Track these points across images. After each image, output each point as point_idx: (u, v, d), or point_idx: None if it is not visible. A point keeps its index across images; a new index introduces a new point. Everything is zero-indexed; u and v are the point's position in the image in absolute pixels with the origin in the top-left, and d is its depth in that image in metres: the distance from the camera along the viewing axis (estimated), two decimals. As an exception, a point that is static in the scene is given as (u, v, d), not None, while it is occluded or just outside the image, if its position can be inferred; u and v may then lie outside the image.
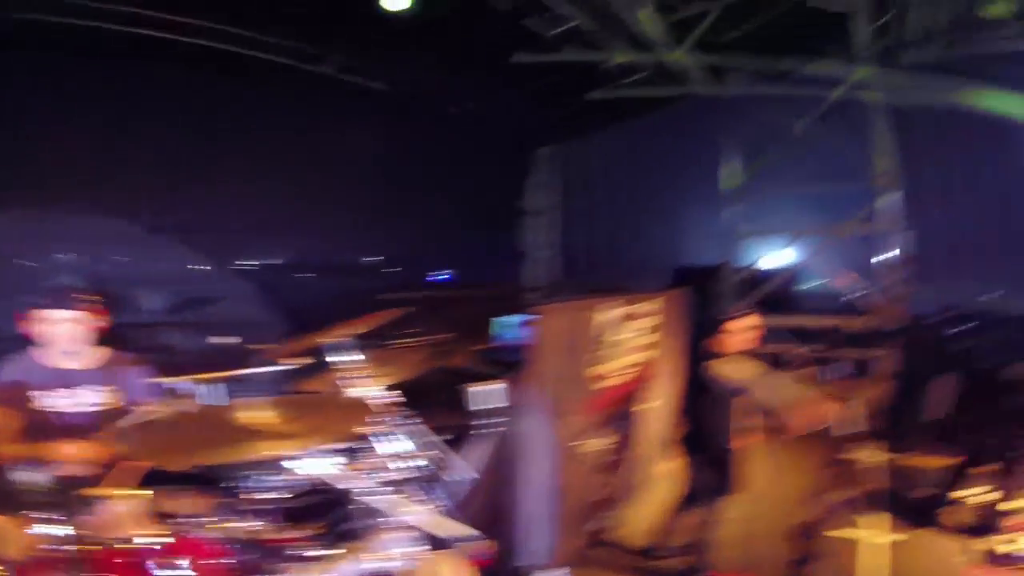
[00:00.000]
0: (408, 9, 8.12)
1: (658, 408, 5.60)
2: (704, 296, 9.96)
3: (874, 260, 9.75)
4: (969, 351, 8.44)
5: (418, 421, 3.83)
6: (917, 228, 9.58)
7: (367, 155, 11.22)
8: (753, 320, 5.08)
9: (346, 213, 11.38)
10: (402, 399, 4.00)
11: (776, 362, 9.88)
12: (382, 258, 12.30)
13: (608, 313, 5.08)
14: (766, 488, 5.16)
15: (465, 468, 4.16)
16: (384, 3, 8.06)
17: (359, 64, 10.35)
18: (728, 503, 5.06)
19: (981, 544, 5.84)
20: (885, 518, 6.31)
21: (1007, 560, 5.76)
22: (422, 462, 3.70)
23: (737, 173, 10.80)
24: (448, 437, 4.34)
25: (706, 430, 4.94)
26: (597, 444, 5.09)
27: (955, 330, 10.34)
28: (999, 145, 9.67)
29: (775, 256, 10.98)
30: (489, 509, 4.37)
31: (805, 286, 10.81)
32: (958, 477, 6.38)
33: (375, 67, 10.45)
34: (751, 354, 5.08)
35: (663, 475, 5.30)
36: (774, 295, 10.30)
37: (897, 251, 9.63)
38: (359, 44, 9.64)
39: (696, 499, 5.09)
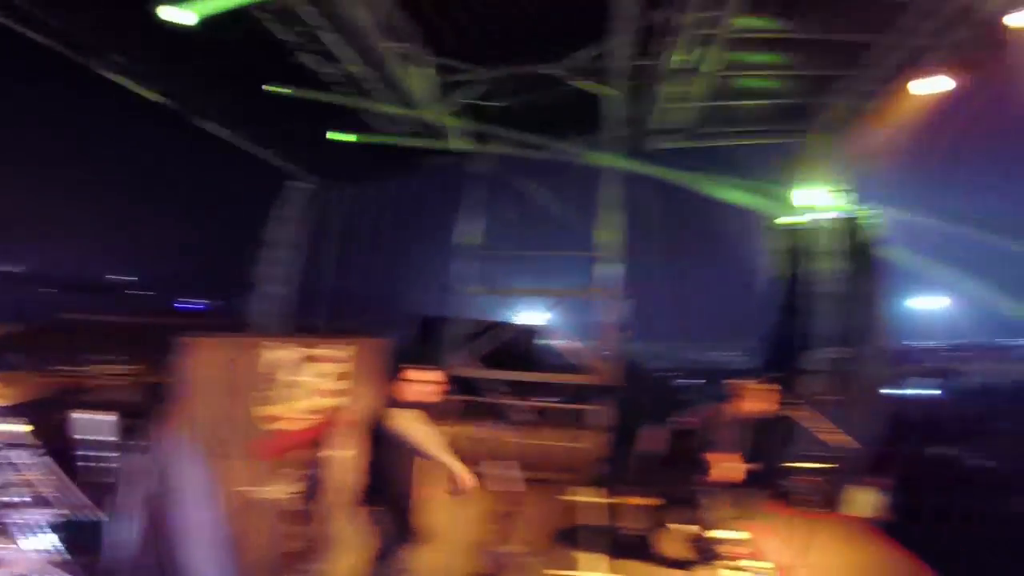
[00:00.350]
0: (194, 27, 7.85)
1: (348, 457, 5.43)
2: (433, 346, 10.39)
3: (598, 322, 10.59)
4: (681, 402, 9.38)
5: (41, 452, 3.56)
6: (644, 295, 10.75)
7: (130, 166, 10.51)
8: (436, 375, 5.14)
9: (98, 226, 10.52)
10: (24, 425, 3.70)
11: (493, 413, 10.54)
12: (135, 278, 11.50)
13: (281, 352, 4.94)
14: (446, 537, 5.15)
15: (89, 506, 3.90)
16: (166, 15, 7.68)
17: (138, 69, 9.68)
18: (412, 553, 4.96)
19: (710, 572, 6.55)
20: (604, 556, 6.77)
21: None
22: (31, 496, 3.43)
23: (478, 232, 11.21)
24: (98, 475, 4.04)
25: (389, 480, 4.89)
26: (279, 491, 4.91)
27: (671, 384, 11.67)
28: (726, 227, 11.29)
29: (505, 312, 11.72)
30: (154, 559, 4.10)
31: (533, 343, 11.58)
32: (667, 514, 7.07)
33: (152, 75, 9.84)
34: (431, 407, 5.10)
35: (355, 526, 5.15)
36: (502, 349, 10.87)
37: (618, 315, 10.54)
38: (141, 49, 9.06)
39: (382, 549, 5.03)
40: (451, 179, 11.46)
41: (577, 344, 10.76)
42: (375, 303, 12.45)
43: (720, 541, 6.92)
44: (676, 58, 8.56)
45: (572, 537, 7.36)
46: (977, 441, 11.27)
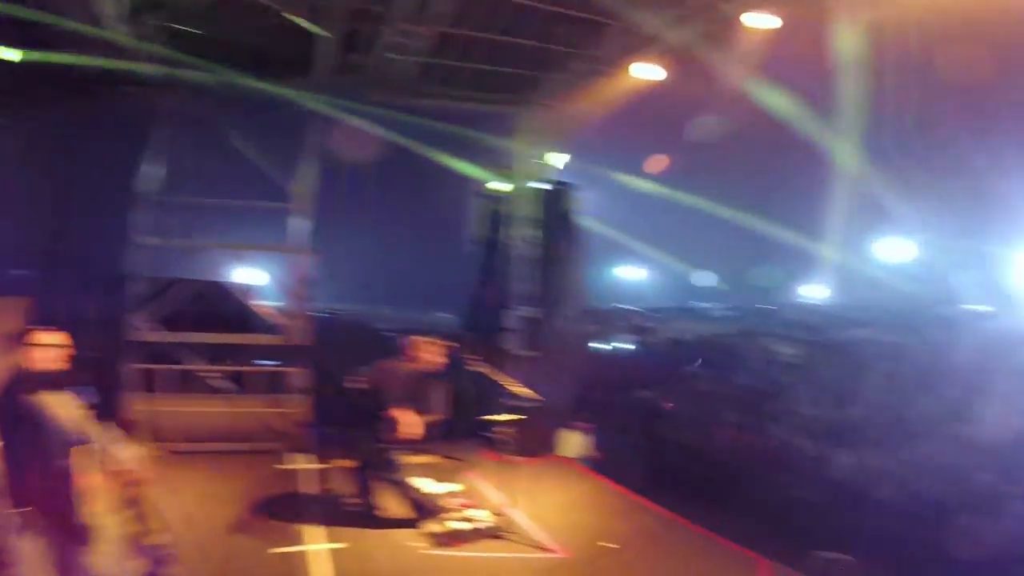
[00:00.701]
0: None
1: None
2: (110, 307, 9.12)
3: (291, 279, 10.00)
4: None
5: None
6: (361, 255, 10.35)
7: None
8: (59, 338, 4.28)
9: None
10: None
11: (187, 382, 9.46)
12: None
13: None
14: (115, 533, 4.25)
15: None
16: None
17: None
18: (87, 558, 3.90)
19: (433, 527, 6.35)
20: (321, 526, 6.37)
21: (457, 536, 6.25)
22: None
23: (164, 176, 9.64)
24: None
25: (39, 472, 3.92)
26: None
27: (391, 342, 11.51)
28: (442, 189, 11.34)
29: (197, 269, 10.56)
30: None
31: (226, 302, 10.59)
32: (371, 474, 6.72)
33: None
34: (56, 374, 4.27)
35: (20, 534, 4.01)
36: (191, 310, 9.77)
37: (308, 272, 9.96)
38: None
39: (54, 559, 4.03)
40: (138, 114, 9.78)
41: (272, 303, 10.06)
42: (42, 258, 10.40)
43: (435, 495, 6.94)
44: (401, 5, 8.16)
45: (286, 509, 6.93)
46: (669, 386, 12.72)
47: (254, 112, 9.57)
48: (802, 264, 20.92)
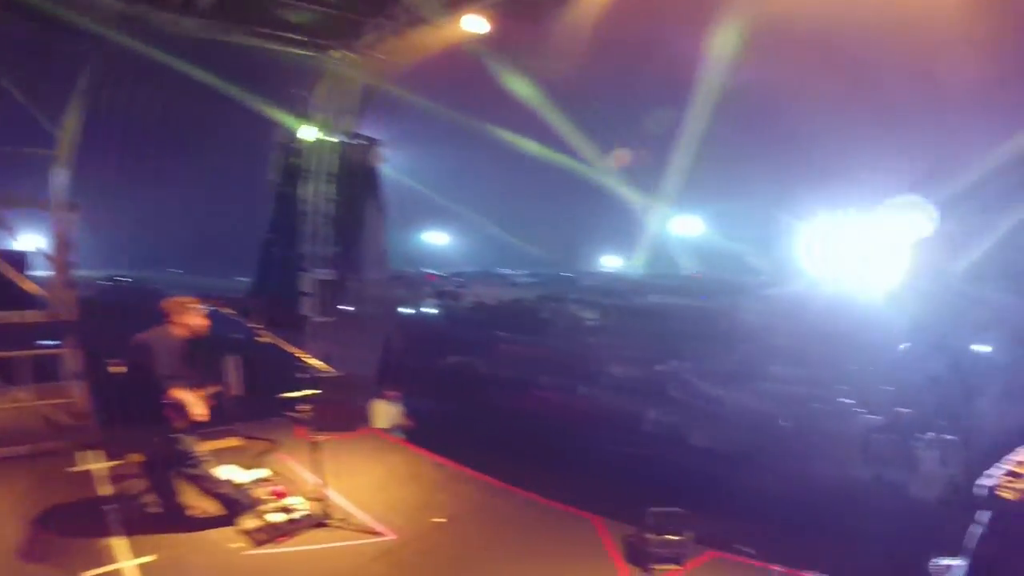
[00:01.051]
0: None
1: None
2: None
3: (51, 242, 8.59)
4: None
5: None
6: (146, 214, 9.07)
7: None
8: None
9: None
10: None
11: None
12: None
13: None
14: None
15: None
16: None
17: None
18: None
19: (249, 523, 5.79)
20: (122, 537, 5.53)
21: (277, 530, 5.75)
22: None
23: None
24: None
25: None
26: None
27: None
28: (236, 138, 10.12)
29: None
30: None
31: None
32: (165, 468, 5.85)
33: None
34: None
35: None
36: None
37: (71, 232, 8.65)
38: None
39: None
40: None
41: (33, 272, 8.51)
42: None
43: (244, 484, 6.42)
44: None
45: (85, 521, 5.88)
46: (481, 352, 12.87)
47: (22, 41, 7.81)
48: (604, 234, 22.17)
